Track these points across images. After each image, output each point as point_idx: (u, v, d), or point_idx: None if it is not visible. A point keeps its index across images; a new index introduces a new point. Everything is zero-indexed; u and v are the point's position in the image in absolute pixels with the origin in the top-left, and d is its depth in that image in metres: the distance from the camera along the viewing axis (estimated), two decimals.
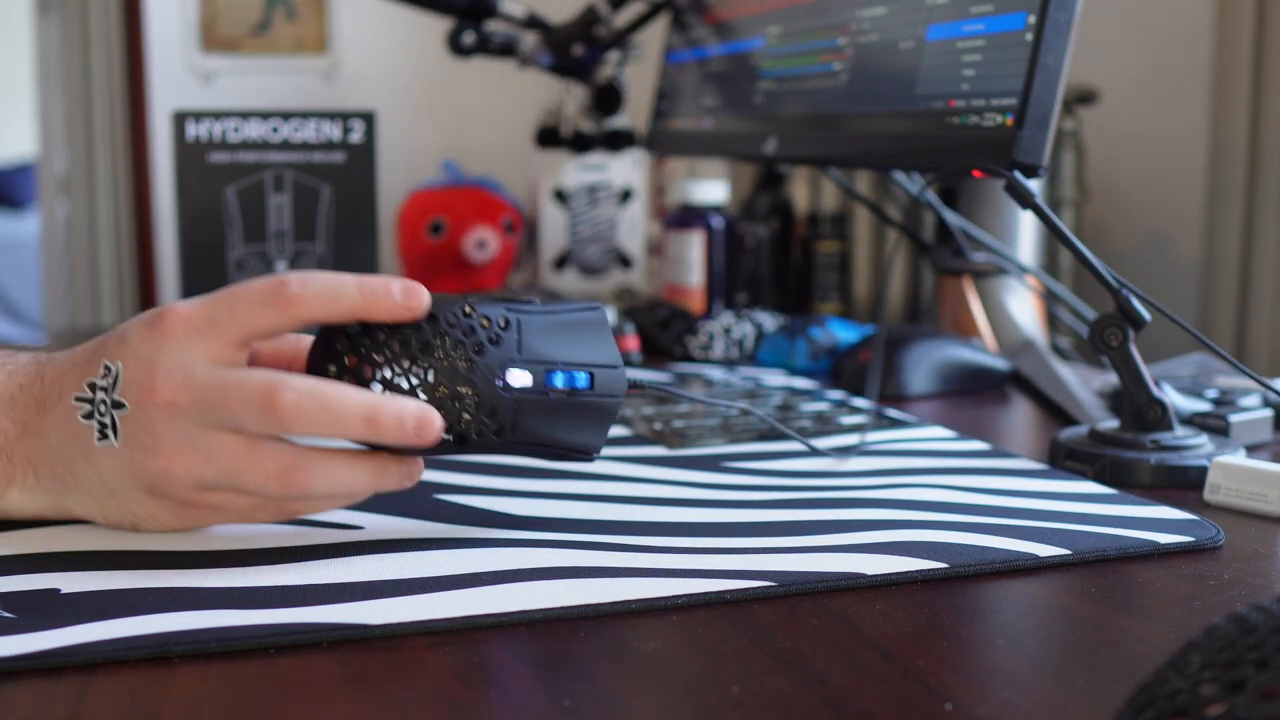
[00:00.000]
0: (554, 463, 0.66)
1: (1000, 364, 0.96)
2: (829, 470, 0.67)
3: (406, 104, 1.75)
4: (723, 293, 1.22)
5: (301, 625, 0.44)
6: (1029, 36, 0.68)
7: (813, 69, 0.92)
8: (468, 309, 0.53)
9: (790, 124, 0.94)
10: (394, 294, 0.51)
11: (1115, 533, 0.56)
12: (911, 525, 0.57)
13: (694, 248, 1.21)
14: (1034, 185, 0.69)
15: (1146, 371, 0.69)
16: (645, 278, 1.40)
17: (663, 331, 1.09)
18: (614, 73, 1.34)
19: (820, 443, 0.72)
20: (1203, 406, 0.76)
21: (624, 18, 1.31)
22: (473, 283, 1.33)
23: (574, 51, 1.31)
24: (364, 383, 0.51)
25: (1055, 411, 0.87)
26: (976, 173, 0.71)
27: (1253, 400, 0.77)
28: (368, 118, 1.00)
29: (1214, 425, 0.74)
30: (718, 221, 1.22)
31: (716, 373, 0.97)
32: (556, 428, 0.54)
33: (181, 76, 1.71)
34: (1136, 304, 0.68)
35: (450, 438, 0.52)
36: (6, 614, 0.45)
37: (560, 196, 1.36)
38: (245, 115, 0.98)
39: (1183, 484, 0.65)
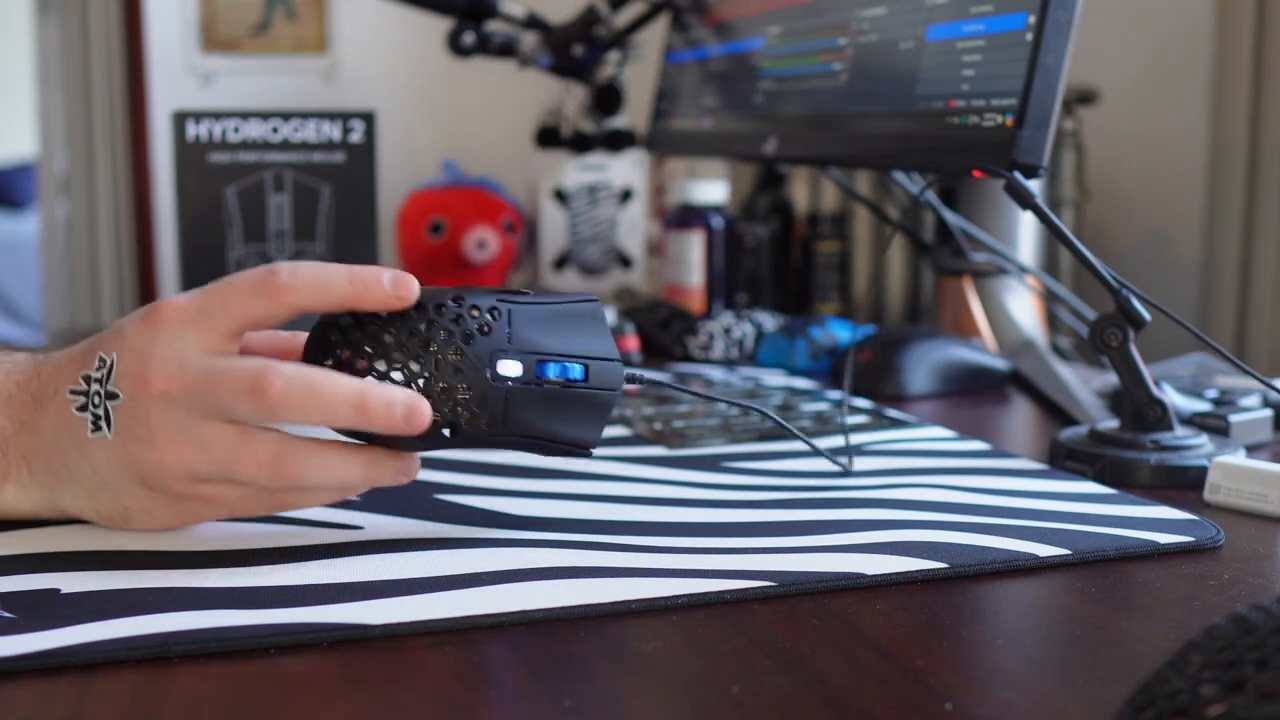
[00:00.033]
0: (551, 459, 0.66)
1: (1000, 364, 0.96)
2: (829, 470, 0.67)
3: (406, 104, 1.75)
4: (723, 293, 1.22)
5: (301, 625, 0.44)
6: (1029, 36, 0.68)
7: (813, 69, 0.92)
8: (456, 298, 0.53)
9: (790, 124, 0.94)
10: (384, 283, 0.52)
11: (1115, 533, 0.56)
12: (911, 525, 0.57)
13: (694, 248, 1.21)
14: (1034, 185, 0.69)
15: (1146, 371, 0.69)
16: (645, 278, 1.40)
17: (663, 331, 1.09)
18: (614, 73, 1.34)
19: (829, 448, 0.72)
20: (1203, 406, 0.76)
21: (624, 18, 1.31)
22: (473, 283, 1.33)
23: (574, 51, 1.31)
24: (358, 375, 0.51)
25: (1055, 411, 0.87)
26: (976, 173, 0.71)
27: (1253, 400, 0.77)
28: (368, 118, 1.00)
29: (1214, 425, 0.74)
30: (718, 221, 1.22)
31: (716, 373, 0.97)
32: (550, 420, 0.54)
33: (181, 76, 1.71)
34: (1136, 304, 0.68)
35: (442, 428, 0.52)
36: (6, 614, 0.45)
37: (560, 196, 1.36)
38: (245, 115, 0.98)
39: (1183, 484, 0.65)
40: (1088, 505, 0.60)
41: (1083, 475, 0.67)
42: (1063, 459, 0.70)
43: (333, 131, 1.00)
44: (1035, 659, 0.43)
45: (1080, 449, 0.69)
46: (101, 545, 0.52)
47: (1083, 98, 1.25)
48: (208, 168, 0.98)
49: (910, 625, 0.46)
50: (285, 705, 0.39)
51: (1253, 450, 0.73)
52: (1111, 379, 0.90)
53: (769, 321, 1.07)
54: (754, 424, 0.78)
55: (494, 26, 1.32)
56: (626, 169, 1.37)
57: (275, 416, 0.50)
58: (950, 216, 0.98)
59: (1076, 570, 0.52)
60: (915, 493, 0.62)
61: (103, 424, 0.51)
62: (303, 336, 0.56)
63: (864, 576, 0.50)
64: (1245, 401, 0.77)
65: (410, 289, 0.52)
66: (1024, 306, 1.09)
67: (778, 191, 1.34)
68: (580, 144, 1.36)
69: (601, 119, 1.36)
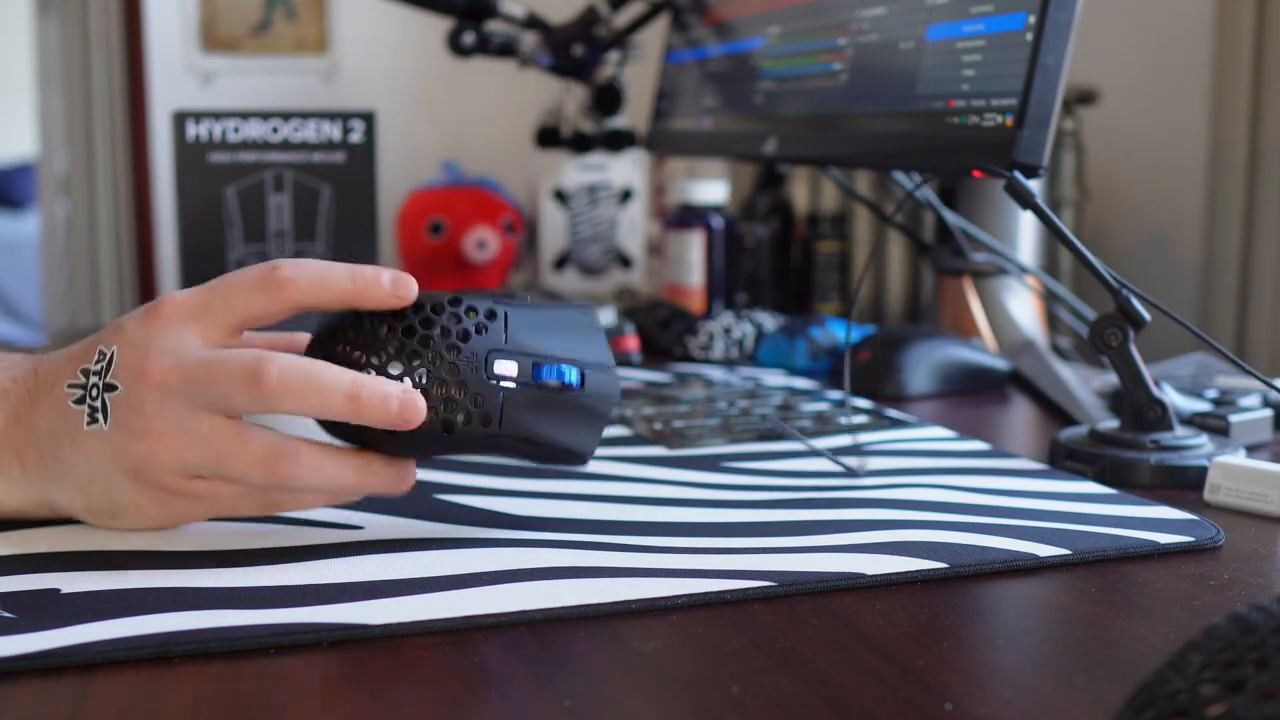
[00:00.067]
0: (546, 466, 0.65)
1: (1000, 364, 0.96)
2: (829, 470, 0.67)
3: (406, 104, 1.75)
4: (723, 293, 1.22)
5: (301, 625, 0.44)
6: (1029, 36, 0.68)
7: (813, 69, 0.92)
8: (454, 300, 0.53)
9: (790, 124, 0.94)
10: (383, 282, 0.52)
11: (1115, 533, 0.56)
12: (911, 525, 0.57)
13: (694, 248, 1.21)
14: (1034, 185, 0.69)
15: (1146, 371, 0.69)
16: (645, 278, 1.40)
17: (663, 331, 1.09)
18: (614, 73, 1.34)
19: (841, 455, 0.72)
20: (1203, 406, 0.76)
21: (624, 18, 1.31)
22: (473, 283, 1.33)
23: (574, 51, 1.31)
24: (356, 370, 0.52)
25: (1055, 411, 0.87)
26: (976, 173, 0.71)
27: (1253, 400, 0.77)
28: (368, 118, 1.00)
29: (1214, 425, 0.74)
30: (718, 221, 1.22)
31: (716, 373, 0.97)
32: (545, 424, 0.54)
33: (181, 76, 1.71)
34: (1136, 304, 0.68)
35: (437, 425, 0.52)
36: (6, 614, 0.45)
37: (560, 196, 1.36)
38: (245, 115, 0.98)
39: (1183, 484, 0.65)
40: (1088, 505, 0.60)
41: (1083, 475, 0.67)
42: (1063, 459, 0.70)
43: (333, 131, 1.00)
44: (1035, 659, 0.43)
45: (1080, 449, 0.69)
46: (101, 545, 0.52)
47: (1083, 98, 1.25)
48: (208, 168, 0.98)
49: (910, 625, 0.46)
50: (285, 705, 0.39)
51: (1253, 450, 0.73)
52: (1111, 379, 0.90)
53: (769, 321, 1.07)
54: (754, 424, 0.78)
55: (494, 26, 1.32)
56: (626, 169, 1.37)
57: (271, 405, 0.50)
58: (950, 216, 0.98)
59: (1076, 570, 0.52)
60: (915, 493, 0.62)
61: (99, 416, 0.51)
62: (303, 338, 0.57)
63: (864, 576, 0.50)
64: (1245, 401, 0.77)
65: (409, 289, 0.53)
66: (1024, 306, 1.09)
67: (778, 191, 1.34)
68: (580, 144, 1.36)
69: (601, 119, 1.36)
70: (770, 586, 0.49)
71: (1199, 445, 0.68)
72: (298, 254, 0.99)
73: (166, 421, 0.51)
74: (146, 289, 1.94)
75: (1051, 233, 0.70)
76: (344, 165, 1.00)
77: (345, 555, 0.52)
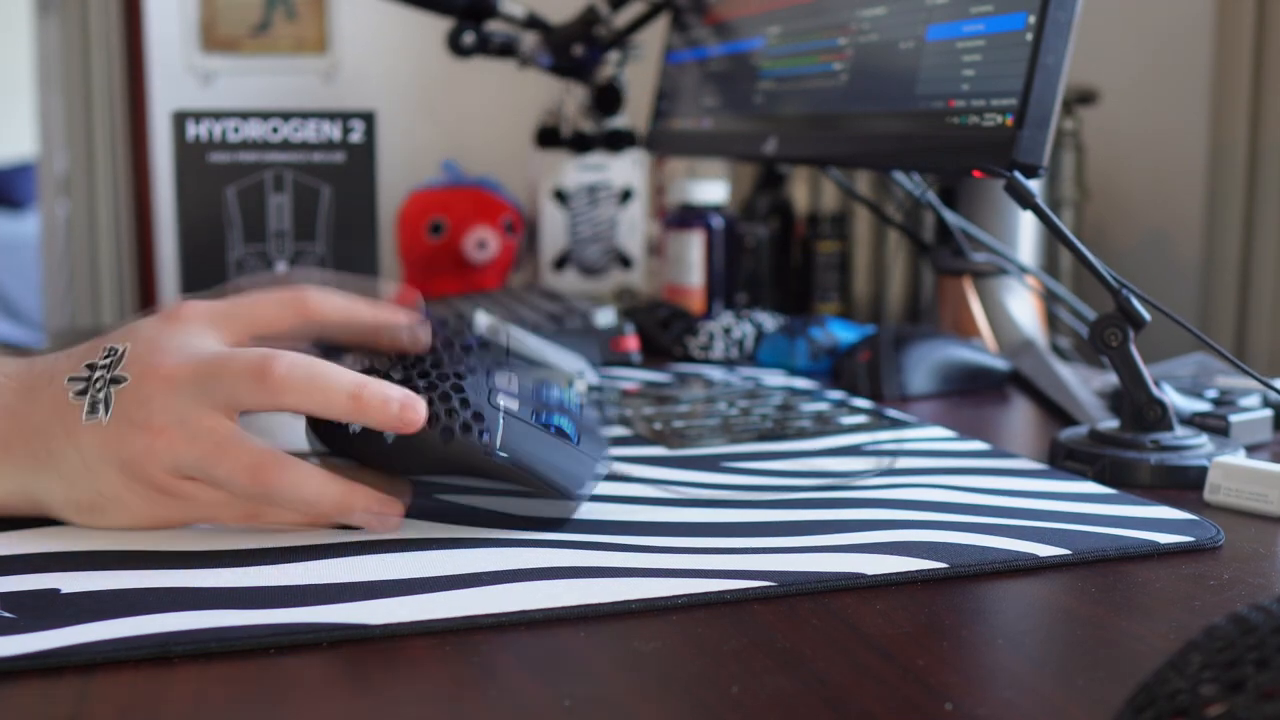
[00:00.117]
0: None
1: (1000, 364, 0.96)
2: (829, 470, 0.67)
3: (406, 104, 1.75)
4: (723, 293, 1.22)
5: (301, 625, 0.44)
6: (1029, 36, 0.68)
7: (813, 69, 0.92)
8: (466, 346, 0.57)
9: (790, 124, 0.94)
10: (402, 326, 0.57)
11: (1115, 533, 0.56)
12: (911, 525, 0.57)
13: (694, 248, 1.21)
14: (1034, 185, 0.69)
15: (1146, 371, 0.69)
16: (645, 278, 1.40)
17: (663, 331, 1.09)
18: (614, 73, 1.34)
19: (861, 463, 0.72)
20: (1203, 406, 0.76)
21: (624, 18, 1.31)
22: (473, 283, 1.33)
23: (574, 51, 1.31)
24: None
25: (1055, 411, 0.87)
26: (976, 173, 0.71)
27: (1253, 400, 0.77)
28: (368, 118, 1.00)
29: (1214, 425, 0.74)
30: (718, 221, 1.22)
31: (716, 373, 0.97)
32: (541, 456, 0.55)
33: (181, 76, 1.71)
34: (1136, 304, 0.68)
35: (436, 435, 0.52)
36: (6, 614, 0.45)
37: (560, 196, 1.36)
38: (245, 115, 0.98)
39: (1183, 484, 0.65)
40: (1088, 505, 0.60)
41: (1083, 475, 0.67)
42: (1063, 459, 0.70)
43: (333, 131, 1.00)
44: (1035, 659, 0.43)
45: (1080, 449, 0.69)
46: (101, 545, 0.52)
47: (1083, 98, 1.25)
48: (208, 168, 0.98)
49: (910, 625, 0.46)
50: (285, 705, 0.39)
51: (1253, 450, 0.73)
52: (1111, 379, 0.90)
53: (769, 321, 1.07)
54: (754, 424, 0.78)
55: (494, 26, 1.32)
56: (626, 169, 1.37)
57: (276, 399, 0.51)
58: (950, 216, 0.98)
59: (1076, 570, 0.52)
60: (915, 493, 0.62)
61: (100, 407, 0.52)
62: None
63: (864, 576, 0.50)
64: (1245, 401, 0.77)
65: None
66: (1024, 306, 1.09)
67: (778, 191, 1.34)
68: (580, 144, 1.36)
69: (601, 119, 1.36)
70: (770, 586, 0.49)
71: (1199, 445, 0.68)
72: (298, 254, 0.99)
73: (169, 416, 0.51)
74: (146, 289, 1.94)
75: (1051, 233, 0.70)
76: (344, 165, 1.00)
77: (345, 555, 0.52)
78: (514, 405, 0.55)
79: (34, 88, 2.14)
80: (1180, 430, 0.69)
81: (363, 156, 1.00)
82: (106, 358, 0.53)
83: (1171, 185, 1.35)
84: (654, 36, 1.33)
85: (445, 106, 1.77)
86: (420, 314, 0.57)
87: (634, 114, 1.41)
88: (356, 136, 1.00)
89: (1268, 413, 0.76)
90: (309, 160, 0.99)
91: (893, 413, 0.82)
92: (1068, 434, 0.72)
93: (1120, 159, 1.40)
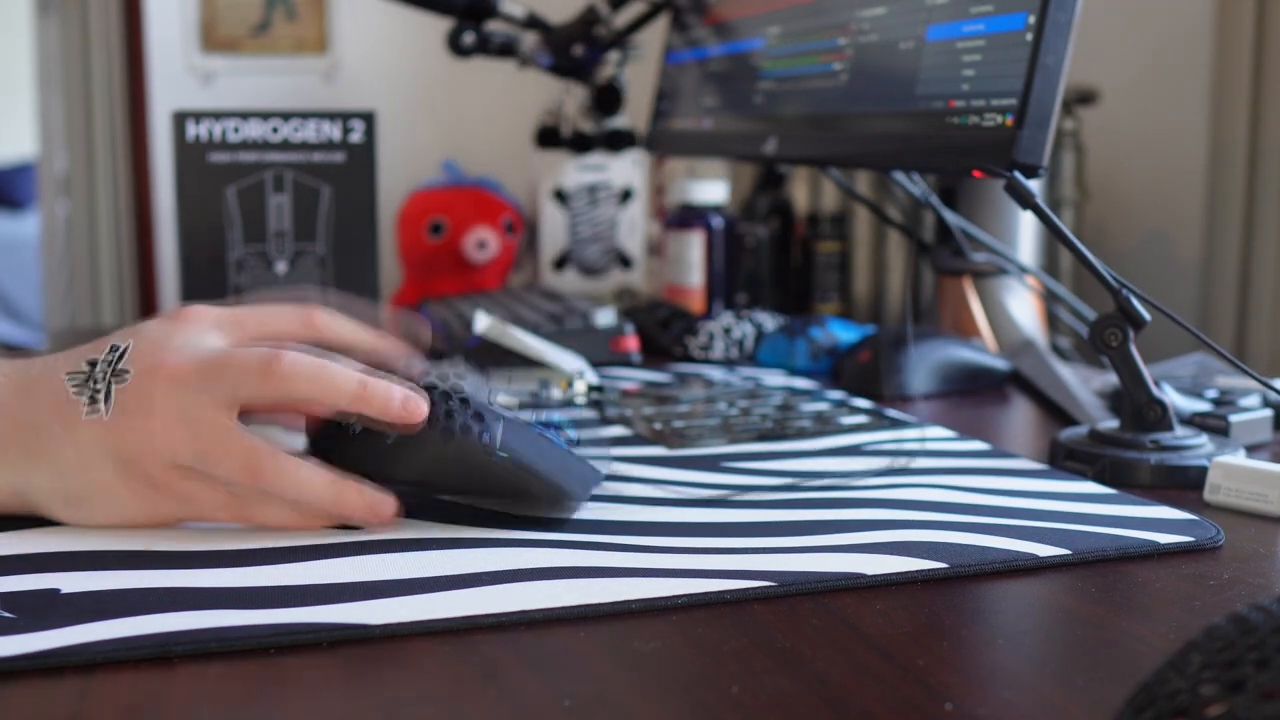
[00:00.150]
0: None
1: (1000, 364, 0.96)
2: (829, 470, 0.67)
3: (406, 104, 1.75)
4: (723, 293, 1.22)
5: (301, 625, 0.44)
6: (1029, 36, 0.68)
7: (813, 69, 0.92)
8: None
9: (790, 124, 0.94)
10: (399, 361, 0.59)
11: (1115, 533, 0.56)
12: (911, 525, 0.57)
13: (694, 248, 1.21)
14: (1034, 185, 0.69)
15: (1146, 371, 0.69)
16: (645, 278, 1.40)
17: (663, 331, 1.09)
18: (614, 73, 1.34)
19: (874, 462, 0.72)
20: (1203, 406, 0.76)
21: (624, 18, 1.31)
22: (473, 283, 1.33)
23: (574, 51, 1.31)
24: None
25: (1055, 411, 0.87)
26: (976, 173, 0.71)
27: (1253, 400, 0.77)
28: (368, 118, 1.00)
29: (1214, 425, 0.74)
30: (718, 221, 1.22)
31: (716, 373, 0.97)
32: (539, 459, 0.55)
33: (181, 77, 1.71)
34: (1136, 304, 0.68)
35: (437, 433, 0.53)
36: (6, 614, 0.45)
37: (560, 196, 1.36)
38: (245, 115, 0.98)
39: (1183, 484, 0.65)
40: (1088, 505, 0.60)
41: (1083, 475, 0.67)
42: (1063, 459, 0.70)
43: (333, 131, 1.00)
44: (1035, 659, 0.43)
45: (1080, 449, 0.69)
46: (101, 545, 0.52)
47: (1083, 98, 1.25)
48: (208, 168, 0.98)
49: (910, 625, 0.46)
50: (285, 705, 0.39)
51: (1253, 450, 0.73)
52: (1111, 379, 0.90)
53: (769, 321, 1.07)
54: (754, 424, 0.78)
55: (494, 26, 1.32)
56: (626, 169, 1.37)
57: (281, 392, 0.52)
58: (950, 216, 0.98)
59: (1076, 570, 0.52)
60: (915, 493, 0.62)
61: (100, 401, 0.52)
62: None
63: (864, 576, 0.50)
64: (1245, 401, 0.77)
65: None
66: (1024, 306, 1.09)
67: (778, 191, 1.34)
68: (580, 144, 1.36)
69: (601, 119, 1.36)
70: (770, 586, 0.49)
71: (1199, 445, 0.68)
72: (298, 254, 0.99)
73: (170, 410, 0.52)
74: (146, 289, 1.94)
75: (1051, 233, 0.70)
76: (344, 165, 1.00)
77: (345, 555, 0.52)
78: (513, 412, 0.57)
79: (34, 88, 2.14)
80: (1180, 430, 0.69)
81: (363, 156, 1.00)
82: (109, 354, 0.54)
83: (1171, 185, 1.35)
84: (654, 36, 1.33)
85: (445, 106, 1.77)
86: (419, 344, 0.60)
87: (634, 114, 1.41)
88: (356, 136, 1.00)
89: (1268, 413, 0.76)
90: (309, 160, 0.99)
91: (893, 413, 0.82)
92: (1068, 434, 0.72)
93: (1120, 159, 1.40)
